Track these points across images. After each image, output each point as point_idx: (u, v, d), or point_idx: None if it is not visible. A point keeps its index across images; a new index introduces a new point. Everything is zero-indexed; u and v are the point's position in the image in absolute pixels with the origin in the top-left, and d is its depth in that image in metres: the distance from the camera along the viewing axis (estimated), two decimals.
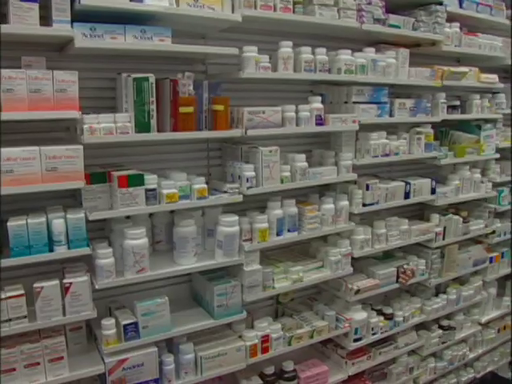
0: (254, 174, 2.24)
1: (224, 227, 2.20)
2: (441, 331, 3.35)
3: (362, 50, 2.63)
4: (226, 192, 2.22)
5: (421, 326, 3.27)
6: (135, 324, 2.08)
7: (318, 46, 2.44)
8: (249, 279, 2.32)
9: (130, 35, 1.89)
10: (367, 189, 2.66)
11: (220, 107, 2.13)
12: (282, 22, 2.33)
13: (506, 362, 4.04)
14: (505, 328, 3.89)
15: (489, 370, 3.81)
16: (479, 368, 3.79)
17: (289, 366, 2.61)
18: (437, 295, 3.34)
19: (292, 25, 2.40)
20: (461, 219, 3.25)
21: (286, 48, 2.31)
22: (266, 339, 2.45)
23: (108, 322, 2.04)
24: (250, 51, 2.21)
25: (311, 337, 2.61)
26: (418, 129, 2.89)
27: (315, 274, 2.57)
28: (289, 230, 2.41)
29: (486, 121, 3.36)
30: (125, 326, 2.06)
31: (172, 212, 2.26)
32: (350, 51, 2.51)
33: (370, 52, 2.63)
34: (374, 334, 2.88)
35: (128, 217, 2.16)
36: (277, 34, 2.43)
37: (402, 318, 3.02)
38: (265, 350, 2.46)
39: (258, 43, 2.28)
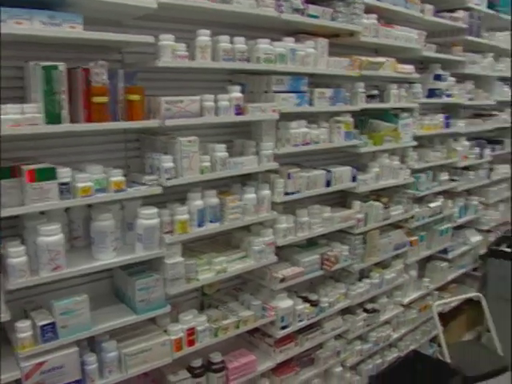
0: (172, 165, 2.20)
1: (143, 220, 2.15)
2: (365, 314, 3.46)
3: (281, 40, 2.64)
4: (144, 184, 2.16)
5: (346, 311, 3.35)
6: (53, 324, 2.00)
7: (237, 35, 2.42)
8: (171, 272, 2.29)
9: (37, 21, 1.79)
10: (289, 178, 2.68)
11: (135, 97, 2.07)
12: (199, 10, 2.29)
13: (426, 339, 4.24)
14: (425, 307, 4.07)
15: (412, 348, 3.96)
16: (403, 347, 3.94)
17: (216, 357, 2.60)
18: (360, 280, 3.43)
19: (210, 13, 2.36)
20: (381, 205, 3.34)
21: (203, 36, 2.27)
22: (191, 332, 2.42)
23: (23, 324, 1.94)
24: (167, 39, 2.16)
25: (237, 327, 2.61)
26: (338, 118, 2.95)
27: (239, 265, 2.57)
28: (210, 221, 2.39)
29: (403, 110, 3.48)
30: (41, 327, 1.97)
31: (90, 206, 2.18)
32: (268, 40, 2.50)
33: (289, 41, 2.64)
34: (300, 321, 2.92)
35: (43, 213, 2.07)
36: (195, 23, 2.40)
37: (327, 304, 3.08)
38: (190, 343, 2.44)
39: (176, 32, 2.23)
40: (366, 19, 3.03)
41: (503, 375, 3.45)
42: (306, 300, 2.98)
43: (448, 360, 3.50)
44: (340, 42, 3.03)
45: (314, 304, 2.99)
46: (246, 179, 2.67)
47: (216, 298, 2.80)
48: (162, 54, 2.15)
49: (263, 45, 2.48)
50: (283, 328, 2.82)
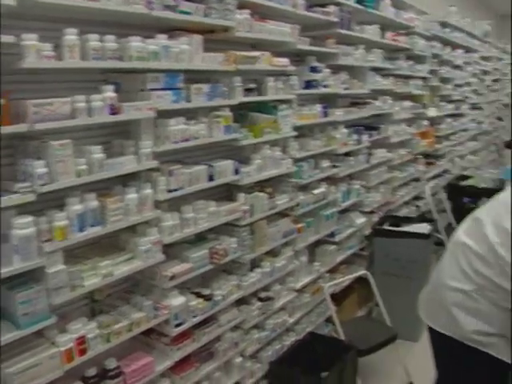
0: (46, 170, 2.11)
1: (18, 230, 2.05)
2: (260, 303, 3.52)
3: (154, 37, 2.61)
4: (16, 192, 2.06)
5: (241, 302, 3.40)
6: None
7: (109, 33, 2.36)
8: (54, 281, 2.20)
9: None
10: (170, 175, 2.67)
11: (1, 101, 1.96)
12: (64, 8, 2.20)
13: (322, 320, 4.42)
14: (318, 290, 4.23)
15: (308, 330, 4.12)
16: (300, 330, 4.06)
17: (111, 363, 2.52)
18: (252, 270, 3.48)
19: (77, 11, 2.29)
20: (266, 196, 3.42)
21: (70, 36, 2.19)
22: (81, 341, 2.34)
23: None
24: (30, 39, 2.05)
25: (130, 330, 2.56)
26: (217, 112, 2.98)
27: (126, 267, 2.52)
28: (92, 225, 2.32)
29: (282, 101, 3.58)
30: None
31: None
32: (140, 38, 2.47)
33: (161, 39, 2.62)
34: (194, 317, 2.92)
35: None
36: (64, 21, 2.30)
37: (221, 297, 3.11)
38: (81, 352, 2.35)
39: (43, 31, 2.14)
40: (239, 15, 3.08)
41: (393, 343, 3.72)
42: (198, 295, 2.99)
43: (342, 337, 3.70)
44: (216, 38, 3.06)
45: (207, 298, 3.01)
46: (128, 179, 2.61)
47: (108, 304, 2.73)
48: (27, 55, 2.05)
49: (135, 43, 2.44)
50: (178, 325, 2.82)
